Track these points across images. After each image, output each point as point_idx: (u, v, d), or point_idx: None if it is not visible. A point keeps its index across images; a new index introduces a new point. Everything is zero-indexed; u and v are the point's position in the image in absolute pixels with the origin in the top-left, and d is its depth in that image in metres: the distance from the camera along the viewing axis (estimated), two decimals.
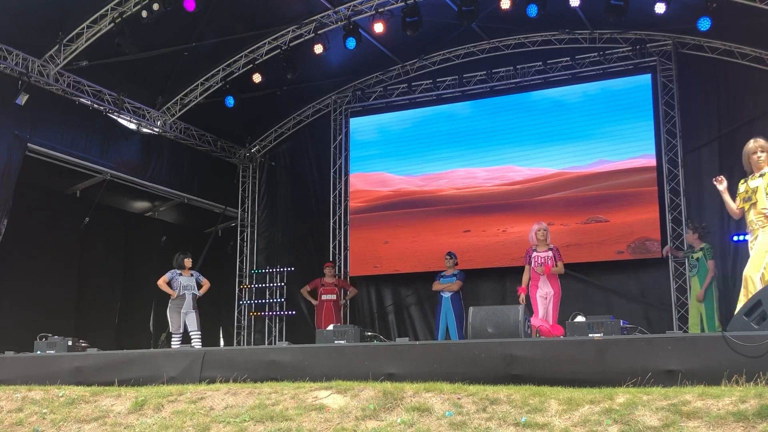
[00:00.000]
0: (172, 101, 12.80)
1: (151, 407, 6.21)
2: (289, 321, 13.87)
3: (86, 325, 11.57)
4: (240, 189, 14.66)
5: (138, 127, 12.52)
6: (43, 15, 10.15)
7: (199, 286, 10.39)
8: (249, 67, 12.36)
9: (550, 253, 9.24)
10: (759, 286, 5.96)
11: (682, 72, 11.85)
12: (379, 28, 11.32)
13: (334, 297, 12.39)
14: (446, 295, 11.23)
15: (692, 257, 9.93)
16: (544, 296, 9.16)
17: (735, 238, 10.95)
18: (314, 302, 12.57)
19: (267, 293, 13.99)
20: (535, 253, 9.32)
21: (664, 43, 11.97)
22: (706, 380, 5.24)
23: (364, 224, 13.70)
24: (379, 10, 11.30)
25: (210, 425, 5.73)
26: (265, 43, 12.32)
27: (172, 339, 10.17)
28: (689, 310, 10.30)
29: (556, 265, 9.22)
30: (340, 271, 13.49)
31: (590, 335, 6.04)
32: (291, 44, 12.05)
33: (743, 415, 4.59)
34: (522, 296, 9.25)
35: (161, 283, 10.17)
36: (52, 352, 7.92)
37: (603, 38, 12.25)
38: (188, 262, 10.37)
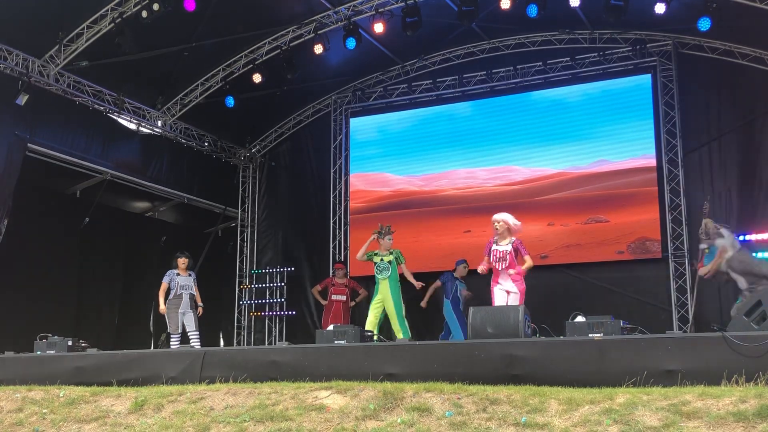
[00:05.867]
0: (172, 101, 12.80)
1: (151, 407, 6.21)
2: (289, 321, 13.86)
3: (86, 325, 11.56)
4: (240, 189, 14.65)
5: (138, 127, 12.51)
6: (43, 15, 10.15)
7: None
8: (249, 67, 12.35)
9: (509, 248, 8.23)
10: None
11: (682, 72, 11.84)
12: (379, 28, 11.32)
13: (344, 298, 12.27)
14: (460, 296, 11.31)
15: (384, 261, 9.79)
16: (506, 291, 8.21)
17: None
18: (323, 302, 12.44)
19: (267, 293, 13.99)
20: (494, 247, 8.36)
21: (664, 43, 11.96)
22: (706, 380, 5.24)
23: (364, 224, 13.65)
24: (379, 10, 11.30)
25: (210, 425, 5.73)
26: (265, 43, 12.31)
27: (171, 339, 10.17)
28: (371, 310, 9.85)
29: (524, 260, 8.23)
30: None
31: (590, 335, 6.05)
32: (291, 44, 12.05)
33: (743, 415, 4.59)
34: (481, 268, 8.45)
35: (161, 293, 10.15)
36: (52, 352, 7.93)
37: (603, 38, 12.24)
38: (183, 262, 10.36)
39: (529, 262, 8.24)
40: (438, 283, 11.52)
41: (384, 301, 9.82)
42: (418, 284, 10.06)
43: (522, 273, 8.21)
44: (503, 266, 8.24)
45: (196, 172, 13.71)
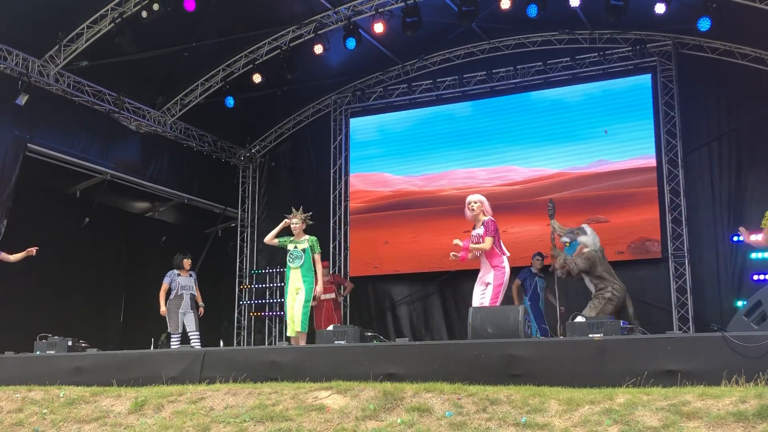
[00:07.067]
0: (172, 101, 12.80)
1: (151, 407, 6.20)
2: None
3: (86, 325, 11.55)
4: (240, 189, 14.66)
5: (138, 127, 12.51)
6: (43, 15, 10.15)
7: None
8: (249, 67, 12.36)
9: (481, 230, 7.35)
10: None
11: (682, 72, 11.85)
12: (379, 28, 11.34)
13: (332, 296, 12.19)
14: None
15: (297, 248, 8.80)
16: (482, 282, 7.40)
17: (735, 238, 10.94)
18: (312, 303, 12.34)
19: (267, 293, 13.99)
20: (474, 232, 7.50)
21: (664, 44, 11.97)
22: (706, 380, 5.24)
23: (364, 225, 13.69)
24: (379, 10, 11.31)
25: (210, 425, 5.73)
26: (265, 44, 12.32)
27: (171, 339, 10.16)
28: (289, 303, 8.75)
29: (483, 241, 7.28)
30: (339, 271, 13.47)
31: (590, 335, 6.04)
32: (291, 44, 12.05)
33: (743, 415, 4.58)
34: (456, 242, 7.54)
35: (161, 294, 10.12)
36: (52, 352, 7.92)
37: (603, 38, 12.24)
38: (187, 262, 10.35)
39: (485, 244, 7.27)
40: (518, 281, 10.60)
41: (296, 290, 8.71)
42: (319, 290, 8.77)
43: (467, 249, 7.41)
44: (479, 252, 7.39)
45: (196, 172, 13.72)
